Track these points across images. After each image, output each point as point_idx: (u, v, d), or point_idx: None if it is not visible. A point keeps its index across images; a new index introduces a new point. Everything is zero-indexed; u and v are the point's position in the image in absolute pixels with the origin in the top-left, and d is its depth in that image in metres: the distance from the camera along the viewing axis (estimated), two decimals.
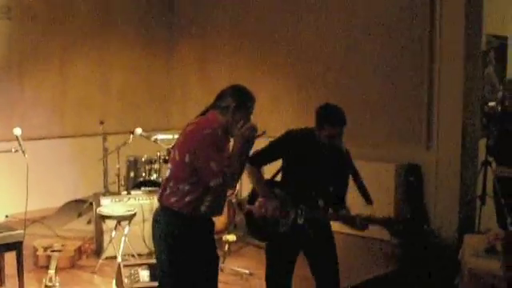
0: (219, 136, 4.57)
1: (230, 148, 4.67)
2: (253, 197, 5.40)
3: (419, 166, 9.03)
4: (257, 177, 5.35)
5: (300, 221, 5.21)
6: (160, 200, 4.73)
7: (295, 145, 5.34)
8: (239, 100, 4.65)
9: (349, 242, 8.73)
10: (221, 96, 4.69)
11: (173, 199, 4.61)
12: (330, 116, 5.23)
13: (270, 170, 5.52)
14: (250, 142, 4.57)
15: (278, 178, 5.49)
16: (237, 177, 4.58)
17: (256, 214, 5.30)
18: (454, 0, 8.74)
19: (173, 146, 4.87)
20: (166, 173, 4.77)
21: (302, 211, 5.21)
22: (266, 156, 5.37)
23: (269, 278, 5.47)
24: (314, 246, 5.37)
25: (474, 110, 8.90)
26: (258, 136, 4.60)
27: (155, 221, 4.76)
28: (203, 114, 4.72)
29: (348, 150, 5.44)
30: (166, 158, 8.75)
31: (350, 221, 5.24)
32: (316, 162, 5.24)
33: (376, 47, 9.33)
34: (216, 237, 7.59)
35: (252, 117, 4.73)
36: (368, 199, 5.53)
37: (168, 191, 4.66)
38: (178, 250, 4.62)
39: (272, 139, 5.39)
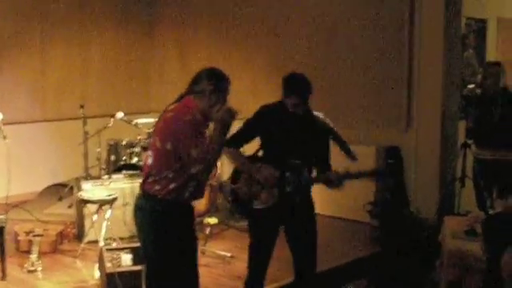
0: (198, 120, 4.58)
1: (208, 132, 4.69)
2: (235, 177, 5.46)
3: (399, 148, 9.05)
4: (237, 157, 5.42)
5: (288, 188, 5.31)
6: (142, 187, 4.73)
7: (268, 118, 5.42)
8: (214, 83, 4.64)
9: (330, 225, 8.81)
10: (195, 80, 4.70)
11: (157, 187, 4.62)
12: (292, 85, 5.32)
13: (250, 150, 5.59)
14: (229, 125, 4.57)
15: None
16: (217, 161, 4.62)
17: (242, 190, 5.37)
18: None
19: (152, 132, 4.91)
20: (148, 160, 4.75)
21: (289, 178, 5.30)
22: (243, 136, 5.44)
23: (253, 249, 5.53)
24: (295, 219, 5.45)
25: (453, 92, 8.93)
26: (235, 117, 4.59)
27: (138, 208, 4.76)
28: (179, 99, 4.72)
29: (324, 115, 5.58)
30: (146, 142, 8.69)
31: (331, 180, 5.36)
32: (291, 130, 5.33)
33: (356, 29, 9.31)
34: (197, 220, 7.68)
35: (228, 98, 4.74)
36: (352, 156, 5.59)
37: (151, 179, 4.66)
38: (163, 235, 4.63)
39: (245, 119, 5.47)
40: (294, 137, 5.32)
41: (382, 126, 9.17)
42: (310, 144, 5.38)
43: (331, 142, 5.59)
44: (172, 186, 4.58)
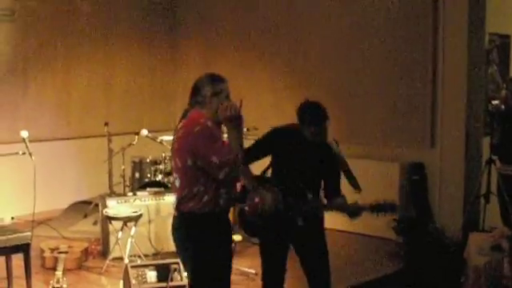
0: (210, 127, 4.56)
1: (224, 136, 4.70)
2: (243, 195, 5.42)
3: (423, 164, 9.03)
4: (246, 174, 5.38)
5: (290, 212, 5.29)
6: (178, 209, 4.73)
7: (281, 142, 5.43)
8: (211, 87, 4.66)
9: (353, 241, 8.79)
10: (194, 92, 4.73)
11: (191, 204, 4.61)
12: (309, 116, 5.31)
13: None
14: (236, 119, 4.55)
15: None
16: (241, 158, 4.58)
17: (249, 210, 5.34)
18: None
19: (171, 155, 4.89)
20: (176, 183, 4.74)
21: (291, 203, 5.29)
22: (253, 154, 5.42)
23: (265, 276, 5.55)
24: (303, 239, 5.45)
25: (477, 108, 8.90)
26: (240, 108, 4.58)
27: (175, 228, 4.77)
28: (184, 115, 4.74)
29: (337, 141, 5.55)
30: (168, 167, 8.74)
31: (343, 209, 5.35)
32: (303, 157, 5.33)
33: (379, 46, 9.31)
34: None
35: (230, 97, 4.73)
36: (356, 186, 5.59)
37: (184, 199, 4.65)
38: (204, 249, 4.62)
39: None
40: (304, 163, 5.34)
41: (407, 142, 9.14)
42: (320, 172, 5.40)
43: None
44: (205, 198, 4.57)
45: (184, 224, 4.68)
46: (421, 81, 8.98)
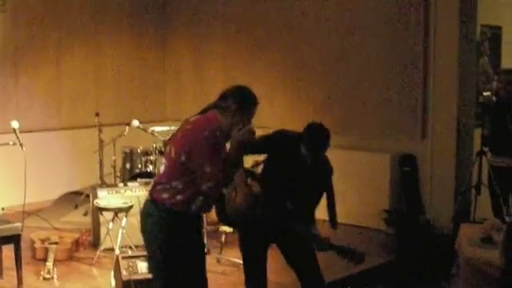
0: (217, 137, 4.53)
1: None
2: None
3: (414, 156, 9.05)
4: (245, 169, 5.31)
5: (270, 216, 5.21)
6: (151, 194, 4.71)
7: (280, 147, 5.37)
8: (241, 102, 4.60)
9: (343, 232, 8.70)
10: (224, 96, 4.66)
11: (164, 195, 4.58)
12: (312, 140, 5.22)
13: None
14: (246, 145, 4.53)
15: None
16: (229, 180, 4.59)
17: (227, 198, 5.22)
18: None
19: (169, 140, 4.86)
20: (161, 167, 4.73)
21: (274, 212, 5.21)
22: (251, 147, 5.36)
23: (246, 269, 5.50)
24: (284, 237, 5.41)
25: (468, 99, 8.90)
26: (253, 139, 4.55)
27: (147, 214, 4.70)
28: (204, 111, 4.69)
29: (332, 169, 5.45)
30: (162, 149, 8.69)
31: (314, 239, 5.26)
32: (295, 169, 5.27)
33: (371, 38, 9.31)
34: (213, 228, 7.66)
35: (252, 120, 4.67)
36: (334, 222, 5.61)
37: (160, 186, 4.63)
38: (171, 243, 4.61)
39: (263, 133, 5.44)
40: (294, 176, 5.27)
41: (397, 134, 9.14)
42: (307, 189, 5.31)
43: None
44: (179, 197, 4.56)
45: (155, 212, 4.63)
46: (412, 72, 8.97)
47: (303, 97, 9.96)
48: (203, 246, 4.98)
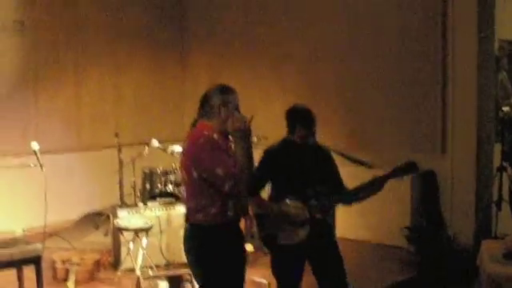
0: (215, 140, 4.59)
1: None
2: (261, 224, 5.53)
3: (434, 172, 9.01)
4: (262, 202, 5.48)
5: (318, 215, 5.35)
6: (187, 221, 4.76)
7: (277, 157, 5.50)
8: (220, 98, 4.68)
9: (365, 250, 8.76)
10: (202, 103, 4.76)
11: (199, 216, 4.63)
12: (300, 118, 5.44)
13: None
14: (245, 132, 4.55)
15: None
16: (248, 172, 4.58)
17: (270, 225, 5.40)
18: (466, 6, 8.71)
19: (180, 168, 4.93)
20: (185, 195, 4.82)
21: (316, 205, 5.34)
22: (259, 181, 5.44)
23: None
24: (319, 249, 5.46)
25: (488, 115, 8.87)
26: (250, 122, 4.58)
27: (186, 239, 4.76)
28: (193, 126, 4.78)
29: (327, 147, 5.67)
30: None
31: (365, 189, 5.42)
32: (302, 163, 5.42)
33: (389, 53, 9.32)
34: None
35: (240, 109, 4.73)
36: (364, 162, 5.93)
37: (192, 210, 4.68)
38: (216, 261, 4.63)
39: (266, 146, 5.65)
40: (306, 168, 5.42)
41: (417, 150, 9.06)
42: (322, 171, 5.48)
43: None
44: (213, 211, 4.59)
45: (195, 235, 4.68)
46: (431, 87, 8.96)
47: (321, 114, 9.90)
48: (246, 254, 5.01)
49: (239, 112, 4.68)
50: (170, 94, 12.12)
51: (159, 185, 8.96)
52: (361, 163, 5.87)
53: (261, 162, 5.48)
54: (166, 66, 12.07)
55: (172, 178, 8.90)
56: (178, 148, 8.92)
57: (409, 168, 5.38)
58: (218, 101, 4.66)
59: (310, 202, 5.35)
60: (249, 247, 7.73)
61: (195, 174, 4.57)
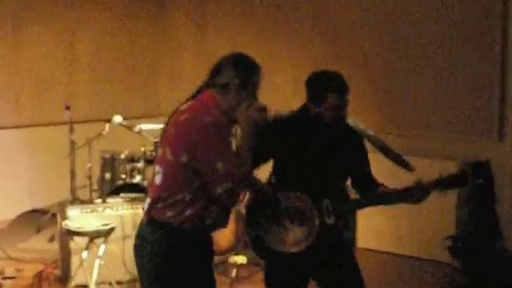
0: (225, 125, 4.51)
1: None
2: (251, 215, 5.41)
3: (489, 163, 8.91)
4: (255, 183, 5.31)
5: (329, 220, 5.22)
6: (149, 214, 4.62)
7: (288, 131, 5.38)
8: (243, 74, 4.58)
9: (400, 266, 8.96)
10: (217, 70, 4.64)
11: (169, 213, 4.50)
12: (333, 83, 5.28)
13: None
14: (259, 126, 4.56)
15: None
16: (247, 176, 4.57)
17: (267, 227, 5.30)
18: None
19: (160, 142, 4.80)
20: (156, 178, 4.64)
21: (329, 206, 5.23)
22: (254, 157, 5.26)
23: None
24: (329, 267, 5.38)
25: None
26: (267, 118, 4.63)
27: (143, 240, 4.63)
28: (195, 95, 4.68)
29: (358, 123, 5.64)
30: (153, 154, 8.70)
31: (395, 196, 5.33)
32: (321, 147, 5.31)
33: (440, 29, 9.30)
34: (221, 258, 7.53)
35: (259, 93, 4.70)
36: (408, 166, 5.69)
37: (161, 204, 4.55)
38: (176, 275, 4.54)
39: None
40: (327, 154, 5.32)
41: (468, 135, 9.10)
42: (348, 161, 5.41)
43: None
44: (189, 211, 4.48)
45: (156, 237, 4.55)
46: (487, 62, 8.93)
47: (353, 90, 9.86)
48: (214, 281, 4.88)
49: (257, 97, 4.64)
50: (142, 57, 12.15)
51: (123, 175, 9.06)
52: (402, 164, 5.70)
53: (262, 133, 5.26)
54: (138, 20, 12.06)
55: (140, 165, 8.97)
56: (149, 126, 8.85)
57: (460, 179, 5.38)
58: (236, 79, 4.55)
59: (324, 202, 5.25)
60: (241, 259, 7.69)
61: (184, 159, 4.44)
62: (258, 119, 4.52)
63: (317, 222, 5.20)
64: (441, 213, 8.79)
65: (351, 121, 5.52)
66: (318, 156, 5.28)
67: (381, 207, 5.68)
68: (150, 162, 8.80)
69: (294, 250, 5.22)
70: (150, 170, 8.65)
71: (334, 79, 5.28)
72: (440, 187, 5.27)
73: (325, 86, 5.24)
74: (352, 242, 6.07)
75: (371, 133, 5.67)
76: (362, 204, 5.58)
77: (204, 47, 11.56)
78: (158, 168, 4.63)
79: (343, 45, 10.05)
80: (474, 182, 8.66)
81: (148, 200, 4.68)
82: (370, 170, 5.54)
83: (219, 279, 7.60)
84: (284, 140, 5.32)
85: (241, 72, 4.57)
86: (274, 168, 5.46)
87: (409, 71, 9.52)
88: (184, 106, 4.62)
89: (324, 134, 5.29)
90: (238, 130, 4.61)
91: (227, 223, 4.78)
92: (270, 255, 5.36)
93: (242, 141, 4.54)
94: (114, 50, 11.77)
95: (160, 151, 4.67)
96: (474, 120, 9.01)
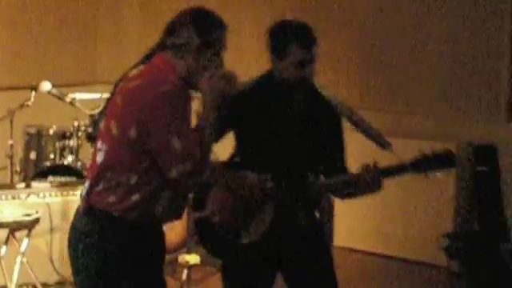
0: (183, 94, 4.52)
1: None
2: (199, 200, 5.39)
3: (495, 147, 9.00)
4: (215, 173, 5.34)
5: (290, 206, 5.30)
6: (86, 199, 4.60)
7: (245, 103, 5.37)
8: (204, 32, 4.54)
9: (389, 269, 9.03)
10: (173, 28, 4.60)
11: (111, 198, 4.50)
12: (299, 31, 5.32)
13: None
14: (225, 98, 4.54)
15: None
16: (209, 157, 4.55)
17: (215, 216, 5.30)
18: None
19: (102, 113, 4.81)
20: (97, 156, 4.61)
21: (290, 190, 5.29)
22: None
23: None
24: (299, 257, 5.43)
25: None
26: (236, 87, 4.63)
27: (82, 232, 4.62)
28: (146, 58, 4.67)
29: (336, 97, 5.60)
30: (90, 130, 8.76)
31: (358, 183, 5.27)
32: (285, 116, 5.35)
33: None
34: (169, 257, 7.58)
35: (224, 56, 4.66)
36: (383, 143, 5.54)
37: (101, 186, 4.53)
38: (119, 273, 4.55)
39: None
40: (291, 124, 5.35)
41: (471, 114, 9.20)
42: (316, 137, 5.42)
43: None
44: (135, 197, 4.49)
45: (95, 228, 4.55)
46: (494, 34, 9.12)
47: (330, 55, 9.89)
48: (164, 283, 4.93)
49: (223, 62, 4.63)
50: (75, 13, 12.06)
51: (52, 154, 9.10)
52: (379, 143, 5.74)
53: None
54: None
55: (73, 143, 8.99)
56: (84, 96, 8.86)
57: (442, 160, 5.24)
58: (195, 38, 4.52)
59: (284, 184, 5.28)
60: (193, 258, 7.78)
61: (133, 134, 4.43)
62: (223, 89, 4.49)
63: (268, 213, 5.25)
64: (437, 207, 8.96)
65: (329, 92, 5.49)
66: (283, 127, 5.31)
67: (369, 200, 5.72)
68: (87, 139, 8.79)
69: (252, 239, 5.25)
70: (84, 149, 8.72)
71: (299, 28, 5.31)
72: (416, 167, 5.19)
73: (288, 36, 5.24)
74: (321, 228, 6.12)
75: (348, 108, 5.55)
76: (329, 185, 5.48)
77: (150, 5, 11.58)
78: (100, 145, 4.60)
79: (327, 8, 10.15)
80: (476, 169, 8.91)
81: (86, 183, 4.64)
82: (344, 155, 5.53)
83: (167, 282, 7.76)
84: (243, 112, 5.34)
85: (201, 30, 4.53)
86: (237, 144, 5.49)
87: (402, 41, 9.74)
88: (133, 72, 4.59)
89: (290, 99, 5.32)
90: (198, 101, 4.57)
91: (181, 214, 4.81)
92: (225, 249, 5.41)
93: (203, 115, 4.50)
94: (42, 7, 11.69)
95: (103, 125, 4.64)
96: (478, 97, 9.14)
